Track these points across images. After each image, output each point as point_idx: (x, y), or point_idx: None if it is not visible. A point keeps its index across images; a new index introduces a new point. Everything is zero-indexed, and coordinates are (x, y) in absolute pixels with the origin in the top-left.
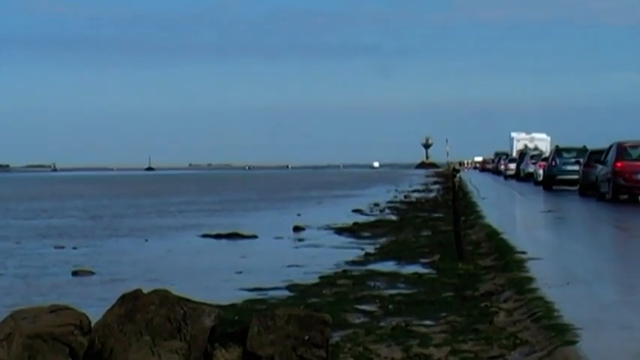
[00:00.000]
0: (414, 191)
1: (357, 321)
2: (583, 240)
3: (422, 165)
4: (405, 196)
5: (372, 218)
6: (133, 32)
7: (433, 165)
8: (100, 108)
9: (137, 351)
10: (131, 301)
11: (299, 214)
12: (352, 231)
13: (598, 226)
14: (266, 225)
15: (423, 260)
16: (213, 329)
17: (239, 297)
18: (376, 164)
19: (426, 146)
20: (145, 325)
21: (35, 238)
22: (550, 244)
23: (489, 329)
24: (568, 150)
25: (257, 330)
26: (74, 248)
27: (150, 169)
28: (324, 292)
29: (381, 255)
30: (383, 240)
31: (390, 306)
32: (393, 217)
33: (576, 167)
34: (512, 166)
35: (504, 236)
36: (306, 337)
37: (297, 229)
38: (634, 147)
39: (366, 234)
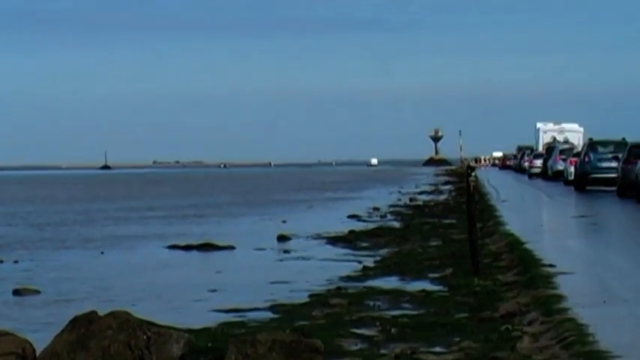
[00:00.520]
0: (422, 193)
1: (354, 348)
2: (622, 251)
3: (430, 162)
4: (411, 199)
5: (371, 225)
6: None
7: (444, 162)
8: (46, 97)
9: None
10: (84, 325)
11: (284, 221)
12: (348, 241)
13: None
14: (245, 234)
15: (431, 275)
16: (182, 358)
17: (213, 320)
18: (374, 161)
19: (436, 139)
20: (100, 354)
21: None
22: (583, 256)
23: (511, 357)
24: (604, 143)
25: (234, 358)
26: (15, 262)
27: (106, 167)
28: (314, 313)
29: (382, 269)
30: (384, 251)
31: (393, 330)
32: (397, 224)
33: (614, 164)
34: (538, 162)
35: (528, 246)
36: None
37: (282, 238)
38: None
39: (364, 244)
